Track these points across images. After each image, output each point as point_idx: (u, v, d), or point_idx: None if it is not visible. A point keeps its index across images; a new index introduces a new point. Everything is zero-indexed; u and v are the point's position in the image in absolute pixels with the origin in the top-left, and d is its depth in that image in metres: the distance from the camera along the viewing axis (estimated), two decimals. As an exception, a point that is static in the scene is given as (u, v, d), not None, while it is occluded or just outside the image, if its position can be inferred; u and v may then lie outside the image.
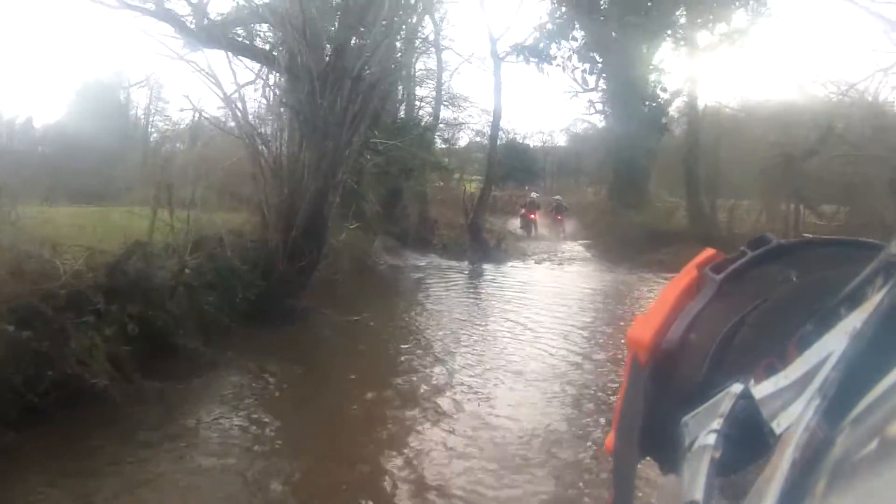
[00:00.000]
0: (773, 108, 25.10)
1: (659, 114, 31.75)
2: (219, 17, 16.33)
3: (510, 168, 43.16)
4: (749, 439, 0.80)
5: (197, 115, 21.11)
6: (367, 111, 15.24)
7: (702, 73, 29.06)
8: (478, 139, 41.18)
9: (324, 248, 14.89)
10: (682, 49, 30.29)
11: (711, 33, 29.27)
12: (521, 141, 48.67)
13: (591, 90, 33.78)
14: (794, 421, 0.70)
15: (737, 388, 0.87)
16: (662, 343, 1.07)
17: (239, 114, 13.95)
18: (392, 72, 16.13)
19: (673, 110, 32.79)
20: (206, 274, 12.08)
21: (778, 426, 0.74)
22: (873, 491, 0.50)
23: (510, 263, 25.78)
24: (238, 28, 16.70)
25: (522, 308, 16.47)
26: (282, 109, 14.30)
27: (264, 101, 15.19)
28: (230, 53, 14.57)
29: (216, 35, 14.61)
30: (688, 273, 1.17)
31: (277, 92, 14.89)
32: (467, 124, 38.93)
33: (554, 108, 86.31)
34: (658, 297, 1.17)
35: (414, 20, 20.89)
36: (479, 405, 8.97)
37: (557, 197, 37.21)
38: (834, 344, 0.71)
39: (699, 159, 27.72)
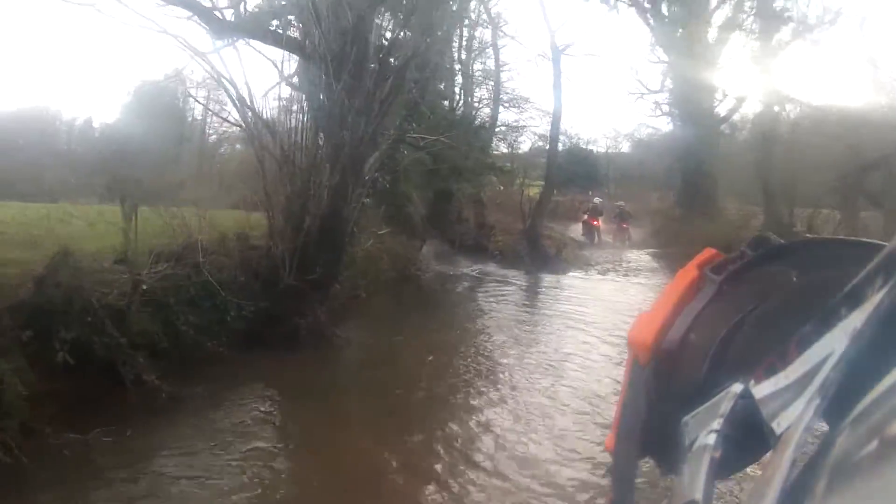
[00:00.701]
0: (848, 112, 22.40)
1: (723, 119, 30.03)
2: (255, 9, 14.42)
3: (572, 173, 41.76)
4: (749, 439, 0.80)
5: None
6: (397, 98, 13.06)
7: (771, 75, 26.26)
8: (540, 143, 39.33)
9: (343, 257, 12.65)
10: (750, 47, 28.05)
11: (780, 31, 26.95)
12: (583, 146, 47.57)
13: (657, 92, 32.52)
14: (794, 421, 0.70)
15: (737, 388, 0.85)
16: (663, 343, 1.04)
17: (235, 96, 11.78)
18: (428, 54, 13.60)
19: (738, 115, 31.09)
20: (188, 288, 9.90)
21: (778, 426, 0.73)
22: (873, 491, 0.51)
23: (571, 273, 23.69)
24: (273, 20, 14.70)
25: (580, 331, 14.45)
26: (292, 94, 12.10)
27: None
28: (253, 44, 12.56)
29: (249, 26, 12.64)
30: (688, 273, 1.12)
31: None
32: (528, 127, 36.78)
33: (618, 112, 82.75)
34: (658, 298, 1.10)
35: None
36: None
37: (621, 203, 34.40)
38: (834, 344, 0.71)
39: (774, 165, 25.33)
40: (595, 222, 32.19)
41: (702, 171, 29.13)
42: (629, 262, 26.92)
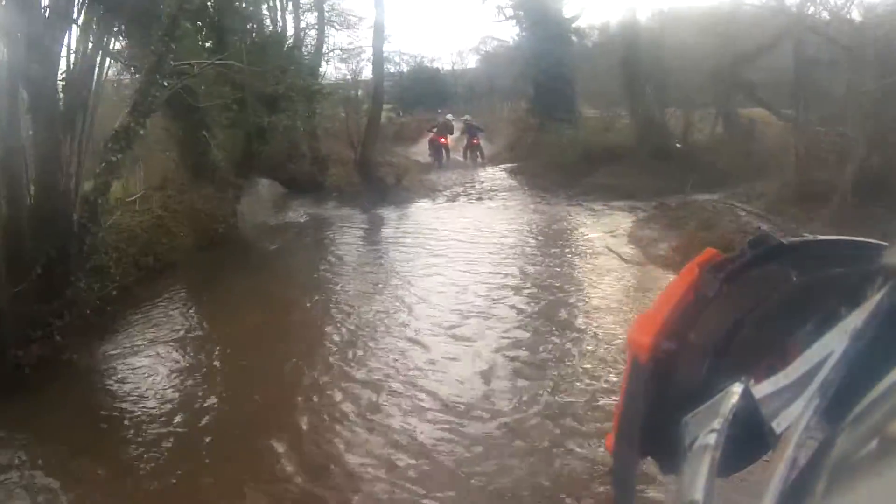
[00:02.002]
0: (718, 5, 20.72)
1: (572, 19, 27.53)
2: None
3: (419, 94, 41.21)
4: (749, 439, 0.81)
5: None
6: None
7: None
8: (387, 67, 36.09)
9: (74, 245, 8.80)
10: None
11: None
12: (429, 65, 45.72)
13: None
14: (794, 421, 0.71)
15: (737, 388, 0.85)
16: (663, 343, 1.05)
17: None
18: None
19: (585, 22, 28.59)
20: None
21: (778, 426, 0.75)
22: (873, 491, 0.52)
23: (417, 203, 20.07)
24: None
25: (425, 276, 12.11)
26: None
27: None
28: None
29: None
30: (688, 273, 1.10)
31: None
32: (364, 49, 32.08)
33: (462, 27, 78.78)
34: (658, 297, 1.10)
35: None
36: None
37: (467, 117, 30.32)
38: (834, 344, 0.73)
39: (639, 64, 22.45)
40: (443, 140, 28.29)
41: (556, 76, 26.18)
42: (482, 181, 23.17)
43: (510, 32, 33.72)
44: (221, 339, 9.78)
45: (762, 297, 1.03)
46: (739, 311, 1.03)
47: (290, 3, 24.97)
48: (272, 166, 21.49)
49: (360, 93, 29.74)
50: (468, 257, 12.85)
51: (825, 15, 15.62)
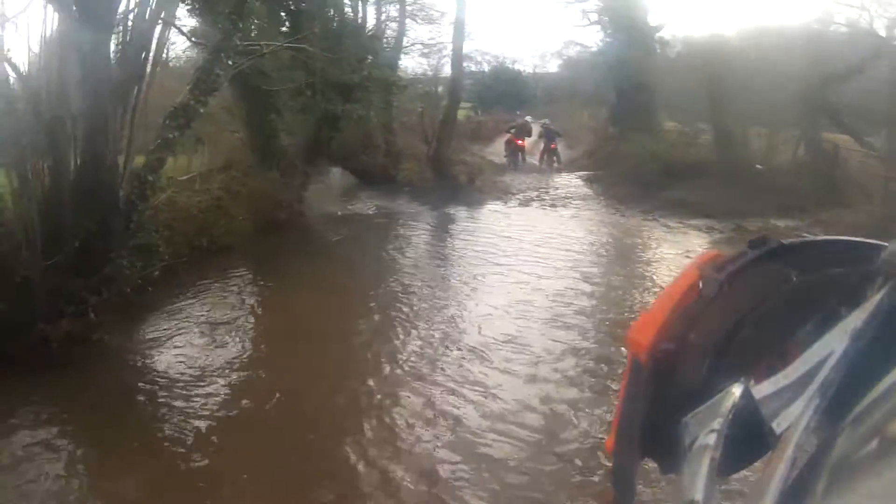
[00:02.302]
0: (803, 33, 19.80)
1: (656, 28, 26.63)
2: None
3: (499, 94, 40.97)
4: (749, 439, 0.80)
5: None
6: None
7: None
8: (467, 66, 36.09)
9: (119, 221, 8.36)
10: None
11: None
12: (511, 66, 45.23)
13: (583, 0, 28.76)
14: (794, 421, 0.71)
15: (737, 388, 0.86)
16: (663, 344, 1.07)
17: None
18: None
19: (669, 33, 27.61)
20: None
21: (778, 426, 0.75)
22: (873, 491, 0.52)
23: (488, 206, 19.32)
24: None
25: (490, 286, 11.31)
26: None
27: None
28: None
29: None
30: (689, 273, 1.15)
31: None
32: (445, 45, 31.60)
33: (546, 30, 78.00)
34: (659, 297, 1.13)
35: None
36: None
37: (545, 121, 29.25)
38: (834, 344, 0.73)
39: (725, 81, 21.25)
40: (520, 142, 27.58)
41: (638, 85, 25.15)
42: (557, 187, 22.42)
43: (593, 38, 32.75)
44: (269, 327, 9.52)
45: (762, 298, 1.03)
46: (740, 312, 1.03)
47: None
48: (345, 156, 21.40)
49: (439, 89, 29.86)
50: (535, 266, 12.25)
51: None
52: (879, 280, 0.74)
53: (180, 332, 8.81)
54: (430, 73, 32.58)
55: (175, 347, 8.31)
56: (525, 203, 19.71)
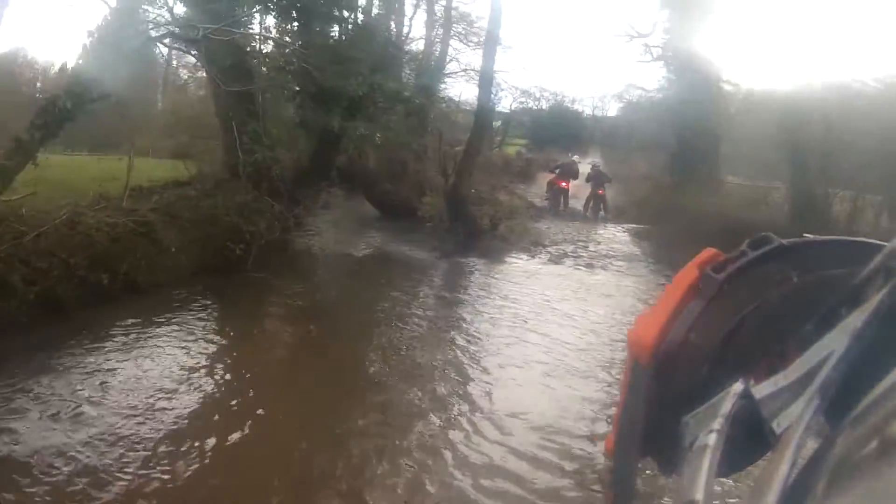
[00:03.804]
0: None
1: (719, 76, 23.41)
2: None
3: (556, 133, 38.51)
4: (749, 439, 0.80)
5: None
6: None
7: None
8: (522, 101, 38.68)
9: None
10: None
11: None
12: (570, 105, 43.23)
13: (647, 35, 26.26)
14: (794, 421, 0.70)
15: (737, 388, 0.84)
16: (663, 344, 1.01)
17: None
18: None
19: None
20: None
21: (778, 426, 0.74)
22: (873, 491, 0.51)
23: (510, 258, 15.69)
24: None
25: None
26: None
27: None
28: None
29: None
30: (688, 273, 1.06)
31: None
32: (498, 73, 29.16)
33: (608, 70, 74.58)
34: (658, 298, 1.05)
35: None
36: None
37: (596, 162, 26.04)
38: (834, 344, 0.72)
39: (805, 136, 18.62)
40: (564, 184, 24.06)
41: (700, 131, 22.10)
42: (599, 241, 18.67)
43: (655, 79, 31.15)
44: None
45: (762, 298, 0.98)
46: (740, 312, 0.98)
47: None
48: (367, 183, 19.31)
49: (496, 124, 31.08)
50: (549, 364, 8.64)
51: None
52: (879, 280, 0.70)
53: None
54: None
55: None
56: (556, 259, 15.97)
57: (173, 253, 10.27)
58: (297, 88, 13.80)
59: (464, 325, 10.30)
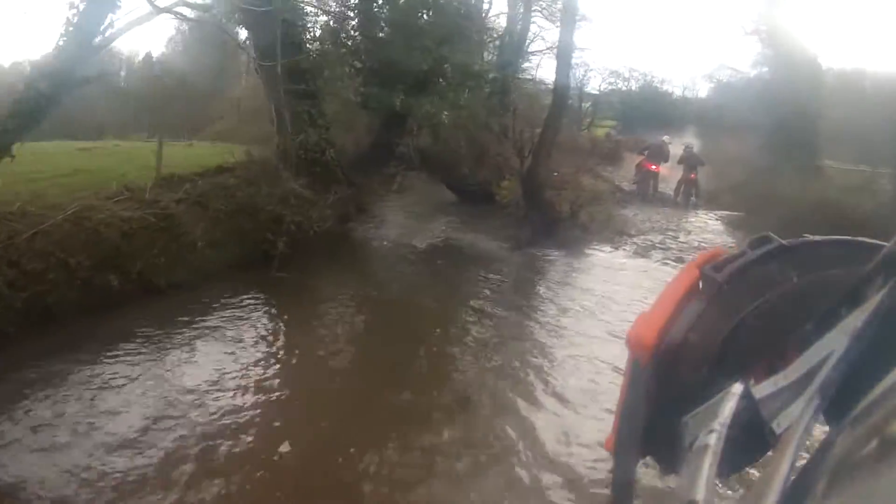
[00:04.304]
0: None
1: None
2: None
3: (646, 114, 36.10)
4: (749, 439, 0.80)
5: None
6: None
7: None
8: (611, 81, 38.14)
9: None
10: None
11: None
12: (659, 86, 41.31)
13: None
14: (794, 421, 0.71)
15: (737, 388, 0.85)
16: (663, 344, 1.04)
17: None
18: None
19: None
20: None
21: (778, 426, 0.75)
22: (873, 491, 0.51)
23: (591, 249, 14.21)
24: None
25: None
26: None
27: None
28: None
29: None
30: (689, 273, 1.11)
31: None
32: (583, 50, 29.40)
33: (700, 49, 71.57)
34: (659, 298, 1.07)
35: None
36: None
37: (689, 143, 23.27)
38: (834, 344, 0.72)
39: None
40: (654, 167, 22.21)
41: (799, 111, 20.38)
42: (690, 231, 16.97)
43: (748, 57, 29.48)
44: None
45: (762, 298, 1.00)
46: (740, 312, 1.00)
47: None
48: (444, 167, 17.94)
49: (585, 105, 31.85)
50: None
51: None
52: (879, 280, 0.70)
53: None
54: (572, 86, 28.49)
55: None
56: (642, 252, 14.39)
57: (201, 248, 9.11)
58: (358, 65, 12.81)
59: (527, 355, 8.24)
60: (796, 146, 20.24)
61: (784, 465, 0.62)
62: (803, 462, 0.63)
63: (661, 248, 14.73)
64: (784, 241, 1.07)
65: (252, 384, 6.57)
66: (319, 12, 13.05)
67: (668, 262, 13.54)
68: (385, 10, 12.97)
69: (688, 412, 0.90)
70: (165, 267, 8.64)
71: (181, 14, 10.74)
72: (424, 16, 13.06)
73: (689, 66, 66.58)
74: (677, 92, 42.02)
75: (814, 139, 20.99)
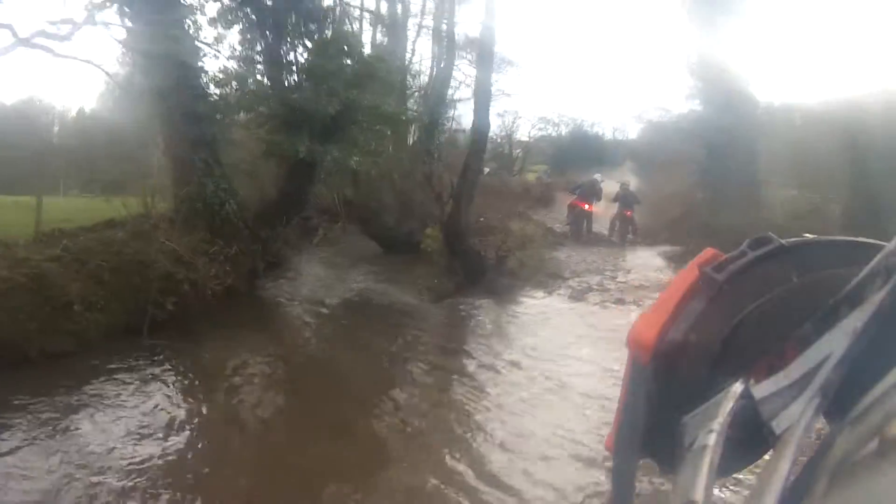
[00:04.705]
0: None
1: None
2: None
3: (577, 157, 37.01)
4: (749, 439, 0.80)
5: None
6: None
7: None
8: (541, 127, 39.17)
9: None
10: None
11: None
12: (590, 129, 42.29)
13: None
14: (794, 421, 0.71)
15: (737, 388, 0.85)
16: (663, 344, 1.00)
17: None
18: None
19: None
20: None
21: (778, 426, 0.74)
22: (873, 491, 0.52)
23: (523, 295, 13.36)
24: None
25: None
26: None
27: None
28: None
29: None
30: (689, 273, 1.06)
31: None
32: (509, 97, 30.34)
33: (626, 94, 72.89)
34: (659, 297, 1.03)
35: None
36: None
37: (625, 181, 23.36)
38: (834, 344, 0.72)
39: (866, 142, 16.98)
40: (586, 206, 21.78)
41: (733, 141, 20.00)
42: (629, 269, 16.30)
43: (681, 92, 28.00)
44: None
45: (762, 298, 0.97)
46: (740, 312, 0.97)
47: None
48: (364, 217, 17.49)
49: (516, 152, 32.83)
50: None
51: None
52: (879, 280, 0.70)
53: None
54: (501, 134, 32.47)
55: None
56: (578, 295, 13.56)
57: (77, 311, 8.07)
58: (265, 111, 12.15)
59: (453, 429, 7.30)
60: (734, 175, 19.95)
61: (784, 465, 0.61)
62: (803, 462, 0.62)
63: (598, 290, 13.98)
64: (784, 242, 1.00)
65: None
66: (220, 55, 12.23)
67: (608, 304, 12.84)
68: (293, 54, 12.23)
69: (688, 412, 0.85)
70: (36, 333, 7.63)
71: (47, 48, 9.90)
72: (334, 59, 12.33)
73: (619, 109, 68.23)
74: (608, 134, 42.96)
75: (754, 168, 20.63)
